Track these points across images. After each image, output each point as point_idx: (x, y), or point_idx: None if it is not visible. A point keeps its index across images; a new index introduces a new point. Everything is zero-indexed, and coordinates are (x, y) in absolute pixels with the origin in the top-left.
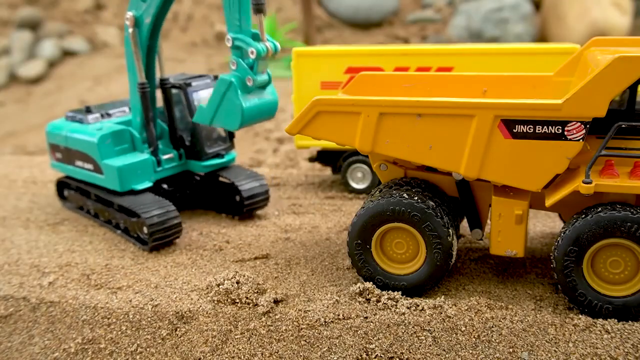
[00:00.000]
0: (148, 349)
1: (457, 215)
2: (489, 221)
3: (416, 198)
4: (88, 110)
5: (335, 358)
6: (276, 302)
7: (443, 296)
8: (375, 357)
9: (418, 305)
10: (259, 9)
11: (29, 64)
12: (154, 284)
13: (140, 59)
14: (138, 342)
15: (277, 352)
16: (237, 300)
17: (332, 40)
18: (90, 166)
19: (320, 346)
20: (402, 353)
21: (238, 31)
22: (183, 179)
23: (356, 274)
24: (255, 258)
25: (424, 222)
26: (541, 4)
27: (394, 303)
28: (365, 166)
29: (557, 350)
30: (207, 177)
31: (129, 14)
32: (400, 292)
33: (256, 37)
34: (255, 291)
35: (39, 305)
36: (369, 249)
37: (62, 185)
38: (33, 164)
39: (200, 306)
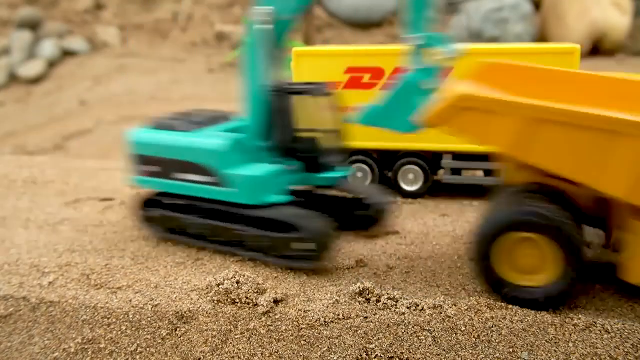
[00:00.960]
0: (148, 349)
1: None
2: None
3: (554, 209)
4: (179, 117)
5: (335, 358)
6: (276, 302)
7: (443, 296)
8: (375, 357)
9: (418, 305)
10: (454, 9)
11: (29, 64)
12: (154, 284)
13: (271, 59)
14: (138, 342)
15: (277, 352)
16: (237, 300)
17: (332, 40)
18: (204, 179)
19: (320, 346)
20: (402, 353)
21: (423, 31)
22: (305, 192)
23: (356, 274)
24: (256, 258)
25: (563, 234)
26: (541, 4)
27: (394, 303)
28: (365, 166)
29: (557, 350)
30: (324, 190)
31: (266, 9)
32: (400, 292)
33: (443, 40)
34: (255, 291)
35: (39, 305)
36: (494, 259)
37: (147, 205)
38: (33, 164)
39: (200, 306)
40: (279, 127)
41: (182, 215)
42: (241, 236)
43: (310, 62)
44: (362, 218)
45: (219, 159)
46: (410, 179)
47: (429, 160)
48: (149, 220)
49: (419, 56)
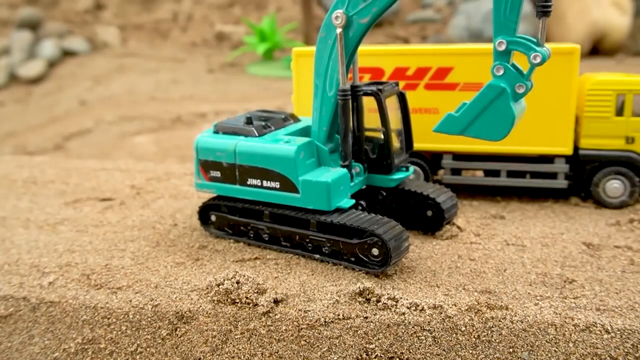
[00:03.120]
0: (148, 349)
1: None
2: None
3: None
4: (249, 121)
5: (335, 358)
6: (276, 302)
7: (443, 296)
8: (375, 357)
9: (418, 305)
10: (546, 13)
11: (29, 64)
12: (154, 284)
13: (344, 63)
14: (138, 342)
15: (277, 352)
16: (237, 300)
17: None
18: (274, 184)
19: (320, 346)
20: (402, 353)
21: (513, 34)
22: (367, 194)
23: (356, 274)
24: (256, 258)
25: None
26: None
27: (394, 303)
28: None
29: (557, 350)
30: (393, 192)
31: (339, 12)
32: (400, 292)
33: (536, 43)
34: (255, 291)
35: (39, 305)
36: None
37: (207, 210)
38: (33, 164)
39: (200, 306)
40: (347, 130)
41: (248, 220)
42: (316, 241)
43: (310, 62)
44: (432, 218)
45: (292, 165)
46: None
47: (429, 161)
48: (206, 223)
49: (504, 60)
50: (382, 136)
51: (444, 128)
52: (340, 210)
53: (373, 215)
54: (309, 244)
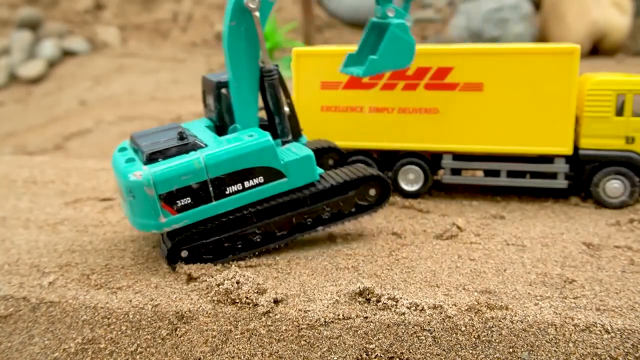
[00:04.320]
0: (148, 349)
1: None
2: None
3: None
4: (182, 136)
5: (335, 358)
6: (276, 302)
7: (443, 296)
8: (375, 357)
9: (418, 305)
10: None
11: (29, 64)
12: (154, 284)
13: (264, 44)
14: (138, 342)
15: (277, 352)
16: (237, 300)
17: (332, 40)
18: (258, 180)
19: (320, 346)
20: (402, 353)
21: None
22: None
23: (356, 274)
24: (257, 256)
25: None
26: (541, 4)
27: (394, 303)
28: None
29: (557, 350)
30: None
31: None
32: (400, 292)
33: None
34: (255, 291)
35: (39, 305)
36: None
37: (176, 249)
38: (33, 164)
39: (200, 306)
40: (279, 108)
41: (235, 231)
42: (314, 213)
43: (310, 62)
44: (340, 161)
45: (271, 154)
46: (411, 179)
47: (429, 161)
48: (185, 260)
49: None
50: (288, 108)
51: (370, 71)
52: (322, 177)
53: (344, 167)
54: (308, 219)
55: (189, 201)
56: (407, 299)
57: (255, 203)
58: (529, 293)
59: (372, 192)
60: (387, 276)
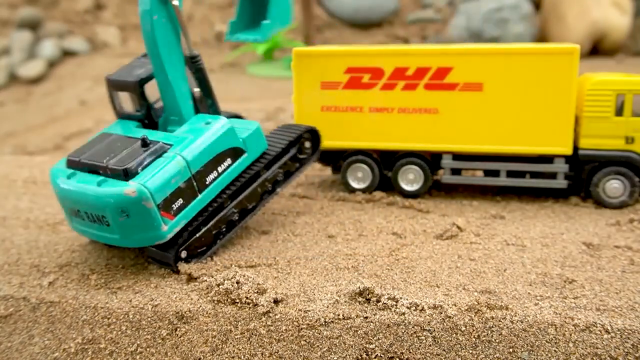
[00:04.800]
0: (148, 349)
1: None
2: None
3: None
4: (145, 143)
5: (335, 358)
6: (276, 302)
7: (443, 296)
8: (375, 357)
9: (418, 305)
10: None
11: (29, 64)
12: (154, 284)
13: (186, 32)
14: (138, 342)
15: (277, 352)
16: (237, 300)
17: (332, 40)
18: (228, 162)
19: (320, 346)
20: (402, 353)
21: None
22: None
23: (356, 274)
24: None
25: None
26: (541, 4)
27: (394, 303)
28: (365, 166)
29: (557, 350)
30: None
31: None
32: (400, 292)
33: None
34: (255, 291)
35: (39, 305)
36: None
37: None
38: (33, 164)
39: (200, 306)
40: (209, 90)
41: (217, 217)
42: (272, 178)
43: (310, 62)
44: None
45: (233, 135)
46: (410, 179)
47: (429, 161)
48: (185, 259)
49: None
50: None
51: (268, 34)
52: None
53: (276, 130)
54: (269, 185)
55: (181, 202)
56: (407, 299)
57: (229, 184)
58: (529, 293)
59: (308, 144)
60: (387, 276)
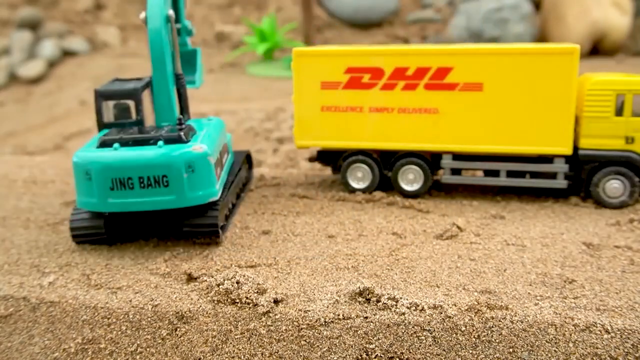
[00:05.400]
0: (148, 349)
1: None
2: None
3: None
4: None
5: (335, 358)
6: (276, 302)
7: (443, 296)
8: (375, 357)
9: (418, 305)
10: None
11: (29, 64)
12: (154, 284)
13: (178, 52)
14: (138, 342)
15: (277, 352)
16: (237, 300)
17: (332, 40)
18: (228, 156)
19: (320, 346)
20: (402, 353)
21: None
22: None
23: (356, 274)
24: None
25: None
26: (541, 4)
27: (394, 303)
28: (365, 166)
29: (557, 350)
30: None
31: (170, 11)
32: (400, 292)
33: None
34: (255, 291)
35: (39, 305)
36: None
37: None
38: (33, 164)
39: (200, 306)
40: (186, 109)
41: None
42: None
43: (310, 62)
44: None
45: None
46: (410, 179)
47: (429, 161)
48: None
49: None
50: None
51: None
52: None
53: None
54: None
55: (219, 170)
56: (407, 299)
57: (229, 174)
58: (529, 293)
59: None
60: (387, 276)
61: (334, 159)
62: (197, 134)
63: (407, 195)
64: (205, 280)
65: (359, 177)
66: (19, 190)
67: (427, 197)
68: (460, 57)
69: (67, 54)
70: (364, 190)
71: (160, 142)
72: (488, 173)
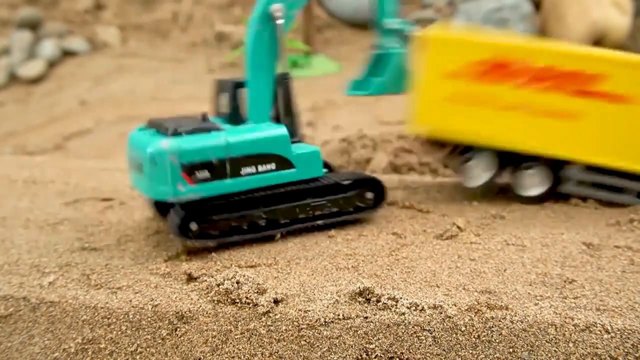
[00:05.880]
0: (148, 349)
1: None
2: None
3: None
4: (205, 117)
5: (335, 358)
6: (276, 302)
7: (443, 296)
8: (375, 357)
9: (418, 305)
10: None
11: (29, 64)
12: (154, 284)
13: (285, 50)
14: (138, 342)
15: (277, 352)
16: (237, 300)
17: (332, 40)
18: (270, 166)
19: (320, 346)
20: (402, 353)
21: (392, 17)
22: None
23: (356, 274)
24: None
25: None
26: (541, 4)
27: (394, 303)
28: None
29: (557, 350)
30: None
31: (279, 5)
32: (400, 292)
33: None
34: (255, 291)
35: (39, 305)
36: None
37: (186, 222)
38: (33, 164)
39: (200, 306)
40: (290, 110)
41: (244, 212)
42: (317, 208)
43: (444, 49)
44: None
45: (285, 144)
46: (531, 183)
47: (553, 166)
48: (193, 232)
49: (390, 35)
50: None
51: (377, 90)
52: (326, 175)
53: (346, 171)
54: (310, 212)
55: (207, 175)
56: (407, 299)
57: (266, 188)
58: (529, 293)
59: (370, 195)
60: (387, 276)
61: (445, 146)
62: (209, 133)
63: (525, 200)
64: (205, 280)
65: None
66: (19, 190)
67: (427, 197)
68: (612, 65)
69: (67, 54)
70: (477, 189)
71: (155, 133)
72: (614, 189)
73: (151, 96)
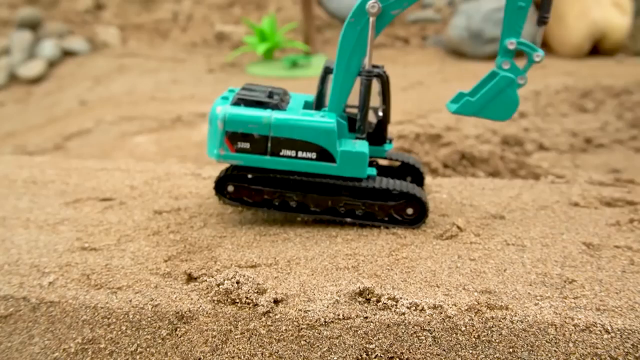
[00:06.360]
0: (148, 349)
1: None
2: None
3: None
4: (271, 95)
5: (335, 358)
6: (276, 302)
7: (443, 296)
8: (375, 357)
9: (418, 305)
10: (543, 22)
11: (29, 64)
12: (154, 284)
13: (372, 48)
14: (138, 342)
15: (277, 352)
16: (237, 300)
17: (332, 40)
18: (310, 155)
19: (320, 346)
20: (402, 353)
21: (519, 36)
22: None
23: (356, 274)
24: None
25: None
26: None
27: (394, 303)
28: None
29: (557, 350)
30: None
31: (374, 1)
32: (400, 292)
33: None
34: (255, 291)
35: (39, 305)
36: None
37: (224, 182)
38: (33, 164)
39: (200, 306)
40: (364, 106)
41: (278, 189)
42: (350, 206)
43: None
44: (415, 182)
45: (330, 138)
46: None
47: None
48: (230, 194)
49: (509, 57)
50: (381, 113)
51: (462, 110)
52: (370, 177)
53: (397, 180)
54: (342, 208)
55: (248, 147)
56: (407, 299)
57: (301, 173)
58: (529, 293)
59: (410, 211)
60: (387, 276)
61: None
62: (262, 108)
63: None
64: (205, 280)
65: None
66: (19, 190)
67: (427, 197)
68: None
69: (67, 54)
70: None
71: (225, 100)
72: None
73: (151, 96)
